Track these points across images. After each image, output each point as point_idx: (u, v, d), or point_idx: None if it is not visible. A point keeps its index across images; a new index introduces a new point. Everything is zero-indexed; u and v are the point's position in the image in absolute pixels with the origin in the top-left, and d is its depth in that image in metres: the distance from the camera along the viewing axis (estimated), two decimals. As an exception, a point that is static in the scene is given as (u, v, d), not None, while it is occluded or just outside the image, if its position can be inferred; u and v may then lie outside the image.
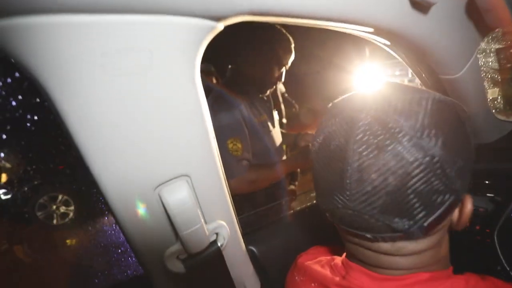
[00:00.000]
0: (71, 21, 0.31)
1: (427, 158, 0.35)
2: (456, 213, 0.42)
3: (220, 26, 0.42)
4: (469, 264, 0.84)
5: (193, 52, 0.40)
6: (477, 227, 0.83)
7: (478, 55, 0.78)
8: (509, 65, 0.86)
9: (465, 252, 0.82)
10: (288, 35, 1.33)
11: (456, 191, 0.38)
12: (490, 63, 0.83)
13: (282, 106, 1.77)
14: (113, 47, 0.34)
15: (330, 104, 0.48)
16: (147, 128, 0.41)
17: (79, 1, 0.29)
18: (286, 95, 1.88)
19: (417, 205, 0.36)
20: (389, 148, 0.36)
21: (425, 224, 0.38)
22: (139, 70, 0.37)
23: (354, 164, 0.37)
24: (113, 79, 0.36)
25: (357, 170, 0.37)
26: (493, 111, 0.92)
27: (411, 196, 0.36)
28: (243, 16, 0.41)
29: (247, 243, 0.67)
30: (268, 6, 0.41)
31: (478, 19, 0.67)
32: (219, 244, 0.53)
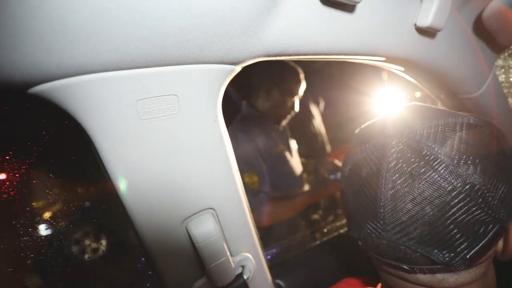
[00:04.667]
0: (111, 76, 0.36)
1: (467, 187, 0.33)
2: (501, 242, 0.39)
3: (238, 68, 0.46)
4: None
5: (215, 93, 0.44)
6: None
7: (496, 72, 0.77)
8: (532, 80, 0.84)
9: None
10: (297, 66, 1.40)
11: (500, 220, 0.35)
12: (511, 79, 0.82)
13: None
14: (146, 95, 0.39)
15: (357, 130, 0.48)
16: (175, 165, 0.44)
17: (119, 61, 0.34)
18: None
19: (457, 236, 0.34)
20: (425, 176, 0.34)
21: (468, 256, 0.35)
22: (167, 113, 0.41)
23: (387, 193, 0.35)
24: (145, 123, 0.40)
25: (391, 199, 0.35)
26: (524, 127, 0.88)
27: (451, 226, 0.34)
28: (260, 57, 0.46)
29: (273, 276, 0.65)
30: (283, 48, 0.45)
31: (489, 38, 0.67)
32: (245, 277, 0.53)
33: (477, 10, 0.64)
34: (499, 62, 0.77)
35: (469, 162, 0.34)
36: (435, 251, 0.35)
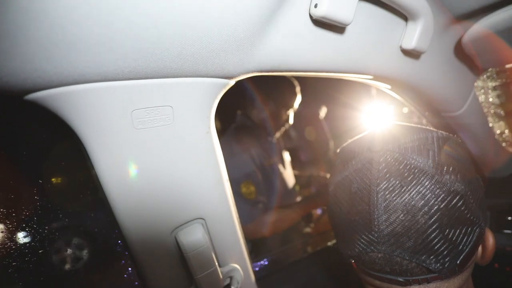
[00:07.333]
0: (109, 86, 0.37)
1: (452, 194, 0.36)
2: (479, 248, 0.42)
3: (232, 82, 0.48)
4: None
5: (209, 106, 0.46)
6: (507, 269, 0.78)
7: (476, 93, 0.82)
8: (509, 100, 0.89)
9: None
10: (293, 79, 1.43)
11: (480, 224, 0.38)
12: (491, 99, 0.87)
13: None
14: (141, 105, 0.40)
15: (339, 149, 0.50)
16: (166, 175, 0.45)
17: (118, 71, 0.36)
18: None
19: (449, 242, 0.36)
20: (414, 187, 0.36)
21: (458, 261, 0.37)
22: (162, 124, 0.42)
23: (380, 206, 0.36)
24: (139, 132, 0.41)
25: (384, 211, 0.36)
26: (503, 144, 0.92)
27: (443, 233, 0.35)
28: (253, 73, 0.48)
29: (261, 288, 0.65)
30: (275, 64, 0.47)
31: (469, 61, 0.72)
32: (233, 289, 0.53)
33: (457, 35, 0.68)
34: (479, 83, 0.81)
35: (450, 171, 0.37)
36: (429, 260, 0.36)
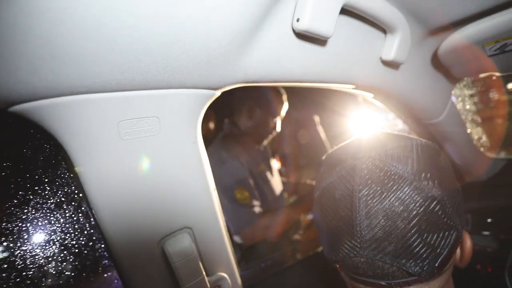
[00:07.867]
0: (95, 98, 0.37)
1: (429, 200, 0.37)
2: (458, 250, 0.43)
3: (218, 93, 0.49)
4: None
5: (195, 116, 0.46)
6: (489, 269, 0.81)
7: (454, 100, 0.86)
8: (485, 107, 0.94)
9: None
10: (280, 87, 1.45)
11: (456, 227, 0.39)
12: (468, 107, 0.91)
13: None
14: (128, 116, 0.40)
15: (324, 156, 0.51)
16: (153, 185, 0.45)
17: (104, 84, 0.36)
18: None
19: (427, 246, 0.37)
20: (393, 193, 0.37)
21: (437, 264, 0.38)
22: (148, 134, 0.42)
23: (362, 211, 0.38)
24: (126, 143, 0.41)
25: (366, 217, 0.38)
26: (481, 149, 0.97)
27: (421, 237, 0.37)
28: (239, 84, 0.49)
29: (251, 297, 0.65)
30: (260, 76, 0.49)
31: (446, 71, 0.76)
32: (221, 298, 0.53)
33: (434, 47, 0.72)
34: (456, 91, 0.85)
35: (428, 177, 0.38)
36: (409, 263, 0.37)
